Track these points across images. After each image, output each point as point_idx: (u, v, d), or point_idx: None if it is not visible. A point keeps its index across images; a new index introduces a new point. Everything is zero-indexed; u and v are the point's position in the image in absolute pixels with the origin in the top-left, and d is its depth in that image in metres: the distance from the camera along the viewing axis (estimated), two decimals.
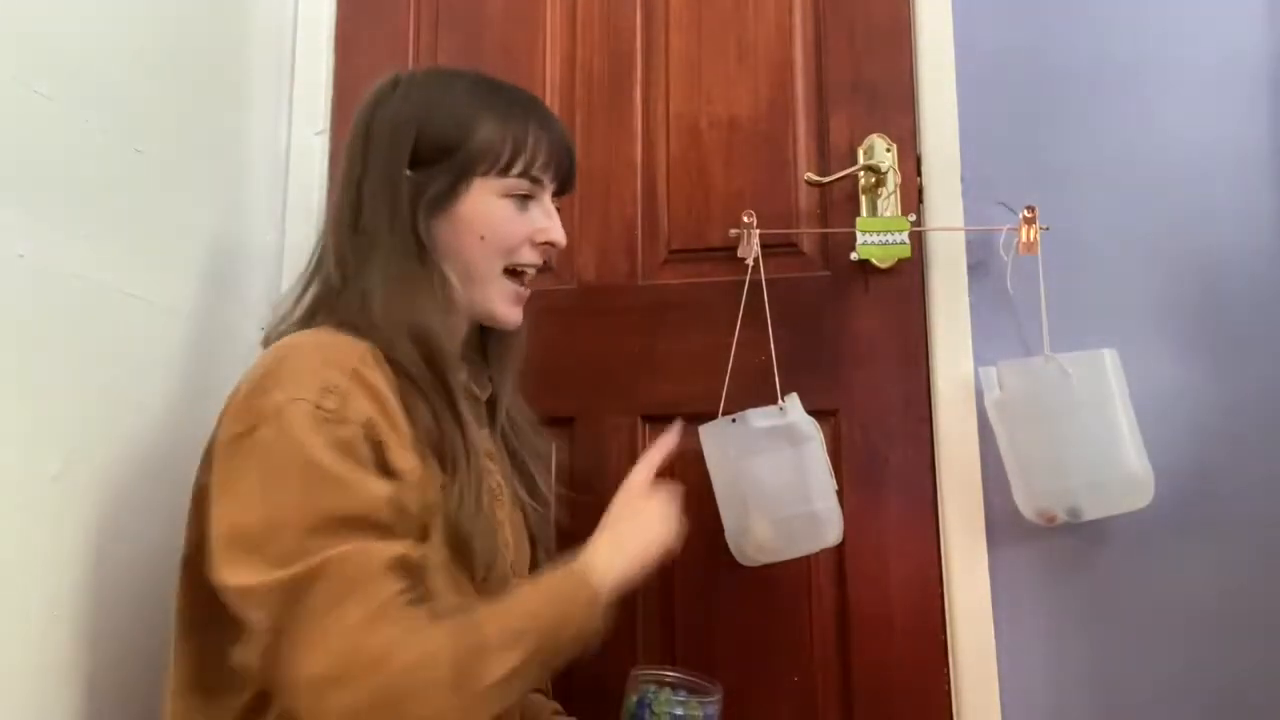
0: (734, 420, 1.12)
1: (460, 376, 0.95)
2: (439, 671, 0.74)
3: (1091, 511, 1.08)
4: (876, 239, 1.18)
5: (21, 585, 0.92)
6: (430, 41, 1.45)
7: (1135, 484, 1.05)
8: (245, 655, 0.79)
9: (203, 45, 1.25)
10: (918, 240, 1.22)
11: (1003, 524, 1.15)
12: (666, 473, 1.25)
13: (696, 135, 1.33)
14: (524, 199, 0.96)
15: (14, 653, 0.91)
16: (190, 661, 0.87)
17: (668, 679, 1.02)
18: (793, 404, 1.12)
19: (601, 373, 1.29)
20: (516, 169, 0.94)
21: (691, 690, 1.01)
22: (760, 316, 1.18)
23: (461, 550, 0.86)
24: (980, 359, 1.17)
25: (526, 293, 0.99)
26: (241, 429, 0.80)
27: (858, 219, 1.20)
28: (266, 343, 0.95)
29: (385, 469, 0.80)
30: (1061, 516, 1.09)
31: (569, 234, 1.32)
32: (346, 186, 0.94)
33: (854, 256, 1.20)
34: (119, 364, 1.06)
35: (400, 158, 0.92)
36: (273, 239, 1.39)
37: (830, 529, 1.10)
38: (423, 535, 0.83)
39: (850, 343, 1.23)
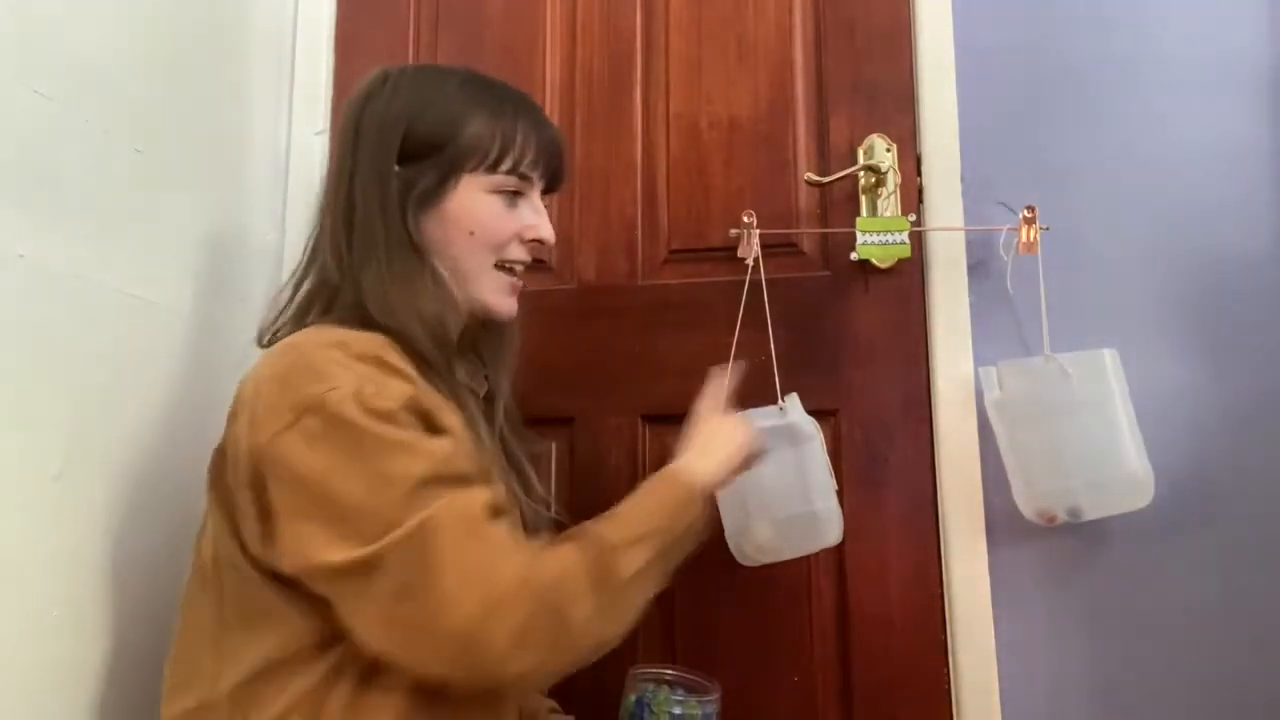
0: None
1: (461, 372, 0.96)
2: (579, 580, 0.78)
3: (1091, 511, 1.08)
4: (876, 239, 1.18)
5: (21, 585, 0.92)
6: (430, 41, 1.45)
7: (1135, 484, 1.05)
8: (361, 631, 0.78)
9: (203, 45, 1.25)
10: (918, 240, 1.22)
11: (1003, 524, 1.15)
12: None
13: (696, 135, 1.33)
14: (513, 196, 0.96)
15: (14, 652, 0.91)
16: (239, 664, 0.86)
17: (666, 678, 1.02)
18: (793, 404, 1.12)
19: (601, 373, 1.29)
20: (505, 166, 0.94)
21: (690, 689, 1.01)
22: (760, 316, 1.18)
23: None
24: (980, 359, 1.17)
25: (520, 284, 1.00)
26: (282, 425, 0.79)
27: (858, 219, 1.20)
28: (261, 338, 0.95)
29: (439, 431, 0.82)
30: (1061, 516, 1.09)
31: (569, 234, 1.34)
32: (338, 182, 0.95)
33: (854, 256, 1.20)
34: (119, 364, 1.06)
35: (389, 154, 0.92)
36: (273, 239, 1.39)
37: (830, 529, 1.10)
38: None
39: (850, 343, 1.23)
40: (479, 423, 0.95)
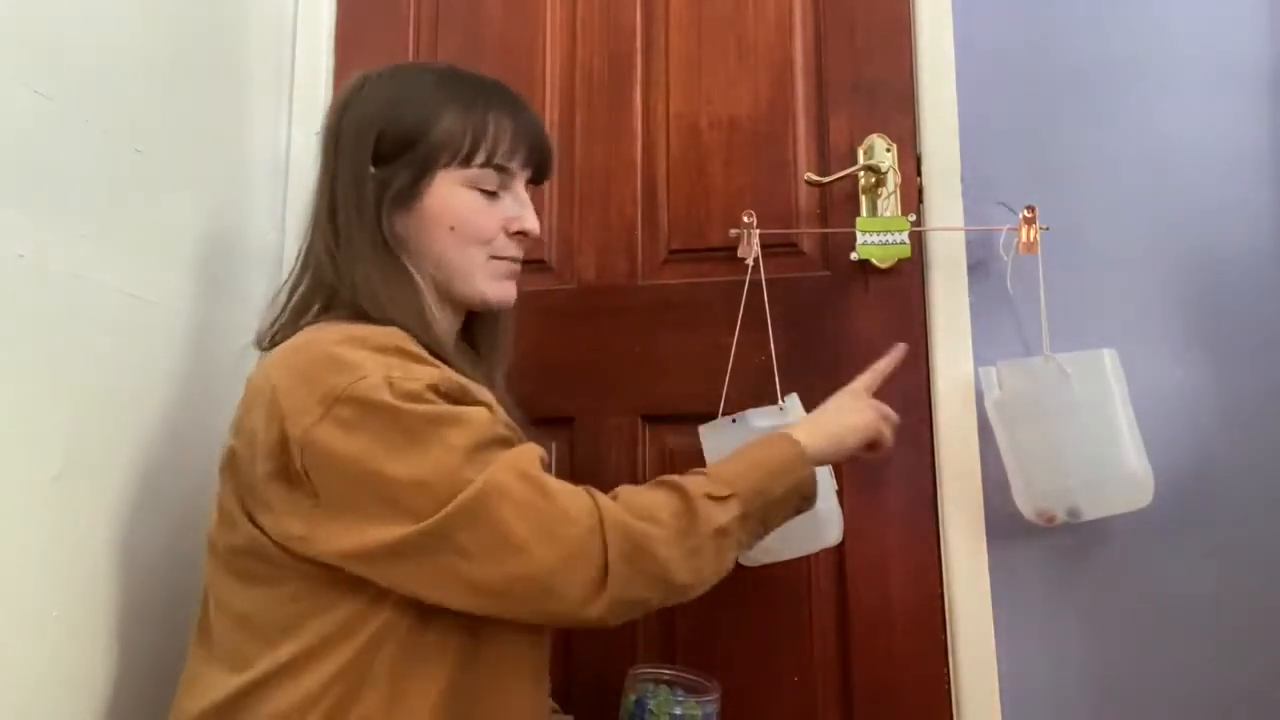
0: (734, 420, 1.12)
1: (465, 368, 0.96)
2: (661, 525, 0.79)
3: (1091, 511, 1.08)
4: (876, 239, 1.18)
5: (21, 585, 0.92)
6: (430, 41, 1.45)
7: (1135, 484, 1.05)
8: (442, 598, 0.79)
9: (203, 45, 1.25)
10: (918, 240, 1.22)
11: (1003, 524, 1.15)
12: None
13: (696, 135, 1.33)
14: (493, 189, 0.96)
15: (14, 653, 0.91)
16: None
17: (666, 678, 1.02)
18: (793, 404, 1.12)
19: (601, 373, 1.29)
20: (479, 158, 0.94)
21: (690, 689, 1.01)
22: (760, 316, 1.18)
23: None
24: (980, 359, 1.18)
25: (517, 269, 1.00)
26: (313, 419, 0.79)
27: (858, 219, 1.20)
28: (260, 341, 0.95)
29: (474, 404, 0.84)
30: (1061, 516, 1.09)
31: (569, 234, 1.34)
32: (323, 186, 0.96)
33: (854, 256, 1.20)
34: (119, 364, 1.06)
35: (365, 156, 0.93)
36: (273, 239, 1.39)
37: (830, 529, 1.10)
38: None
39: (850, 343, 1.23)
40: None
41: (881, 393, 1.20)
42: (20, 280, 0.93)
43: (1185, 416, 1.13)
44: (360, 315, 0.89)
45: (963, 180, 1.22)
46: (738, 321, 1.18)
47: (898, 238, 1.18)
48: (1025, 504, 1.11)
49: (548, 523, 0.77)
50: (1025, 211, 1.14)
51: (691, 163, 1.33)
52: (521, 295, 1.02)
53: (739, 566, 1.12)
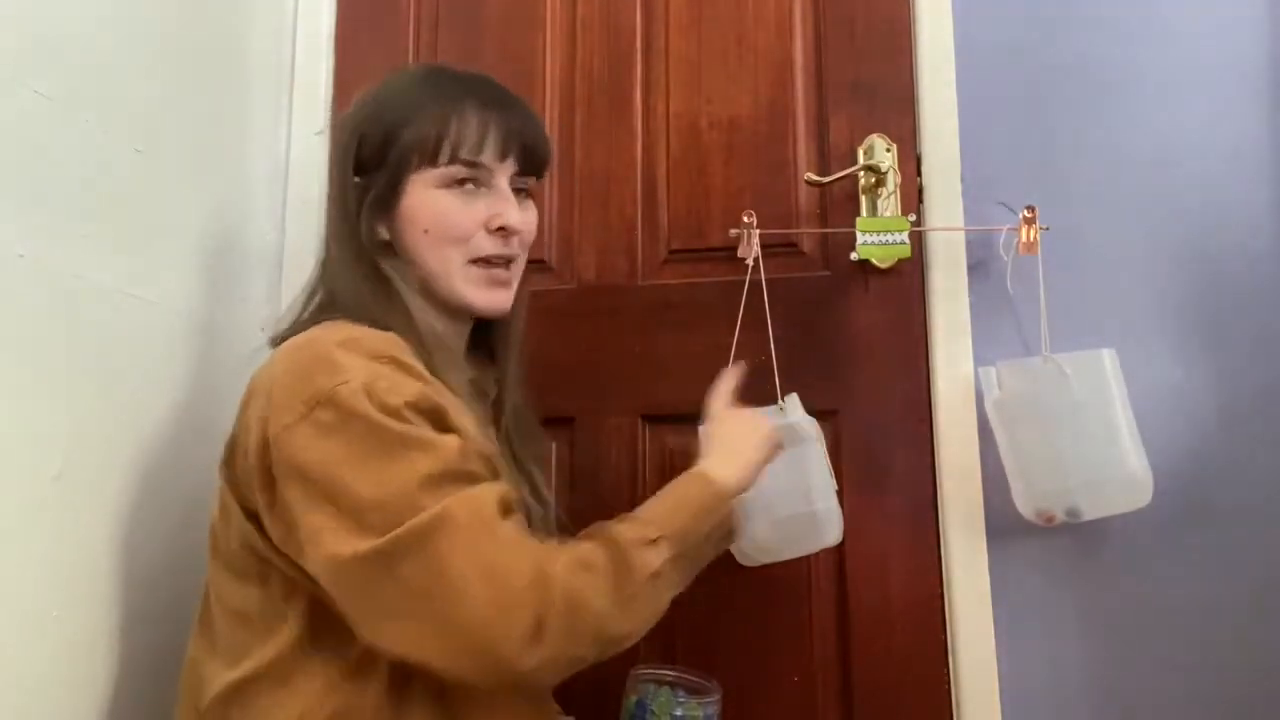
0: None
1: (464, 374, 0.96)
2: (596, 575, 0.79)
3: (1090, 511, 1.08)
4: (876, 239, 1.18)
5: (21, 585, 0.92)
6: (430, 41, 1.45)
7: (1134, 484, 1.05)
8: (369, 631, 0.78)
9: (203, 45, 1.25)
10: (918, 240, 1.22)
11: (1003, 524, 1.15)
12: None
13: (696, 135, 1.33)
14: (467, 186, 0.94)
15: (13, 653, 0.91)
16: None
17: (667, 679, 1.02)
18: (793, 404, 1.12)
19: (601, 373, 1.29)
20: (445, 156, 0.92)
21: (691, 690, 1.01)
22: (760, 316, 1.18)
23: None
24: (980, 359, 1.17)
25: (505, 275, 0.97)
26: (294, 418, 0.80)
27: (858, 219, 1.20)
28: (275, 342, 0.95)
29: (448, 430, 0.82)
30: (1060, 516, 1.09)
31: (569, 234, 1.34)
32: (327, 199, 1.00)
33: (854, 256, 1.20)
34: (119, 364, 1.06)
35: (348, 166, 0.96)
36: (273, 239, 1.39)
37: (830, 529, 1.09)
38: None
39: (850, 343, 1.23)
40: (486, 424, 0.97)
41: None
42: (20, 280, 0.93)
43: (1185, 416, 1.13)
44: (372, 317, 0.90)
45: (963, 180, 1.22)
46: (738, 321, 1.18)
47: (898, 238, 1.18)
48: (1025, 504, 1.11)
49: (490, 568, 0.74)
50: (1025, 211, 1.14)
51: (691, 163, 1.33)
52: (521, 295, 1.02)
53: (739, 566, 1.13)
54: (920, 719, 1.15)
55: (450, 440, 0.80)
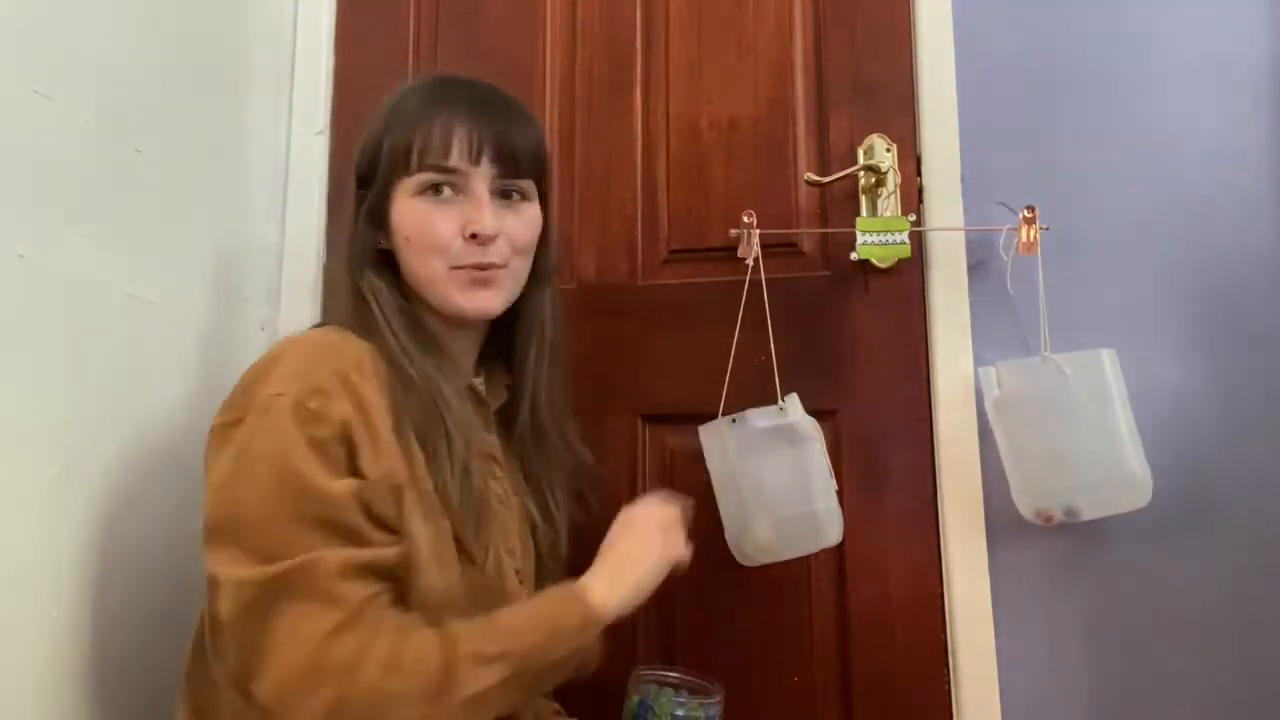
0: (734, 420, 1.12)
1: (462, 380, 0.96)
2: (410, 682, 0.75)
3: (1090, 511, 1.08)
4: (876, 239, 1.18)
5: (21, 585, 0.92)
6: (430, 41, 1.45)
7: (1134, 484, 1.05)
8: (215, 653, 0.81)
9: (203, 45, 1.25)
10: (918, 240, 1.22)
11: (1003, 524, 1.15)
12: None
13: (696, 135, 1.33)
14: (445, 192, 0.93)
15: (14, 652, 0.91)
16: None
17: (669, 680, 1.02)
18: (793, 404, 1.12)
19: (601, 373, 1.29)
20: (415, 162, 0.92)
21: (693, 691, 1.01)
22: (760, 316, 1.18)
23: (456, 533, 0.87)
24: (980, 359, 1.17)
25: (487, 276, 0.94)
26: (230, 419, 0.83)
27: (858, 219, 1.20)
28: None
29: (356, 473, 0.81)
30: (1059, 517, 1.09)
31: (569, 234, 1.34)
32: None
33: (854, 256, 1.20)
34: (119, 364, 1.06)
35: (354, 181, 0.98)
36: (273, 239, 1.39)
37: (830, 529, 1.10)
38: (397, 537, 0.83)
39: (850, 343, 1.23)
40: (487, 429, 0.97)
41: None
42: (20, 280, 0.93)
43: (1185, 416, 1.13)
44: (365, 325, 0.91)
45: (963, 180, 1.22)
46: (738, 321, 1.18)
47: (898, 238, 1.18)
48: (1024, 504, 1.11)
49: (305, 640, 0.74)
50: (1025, 211, 1.14)
51: (691, 163, 1.33)
52: None
53: (739, 566, 1.13)
54: (920, 719, 1.15)
55: (343, 488, 0.79)
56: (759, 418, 1.11)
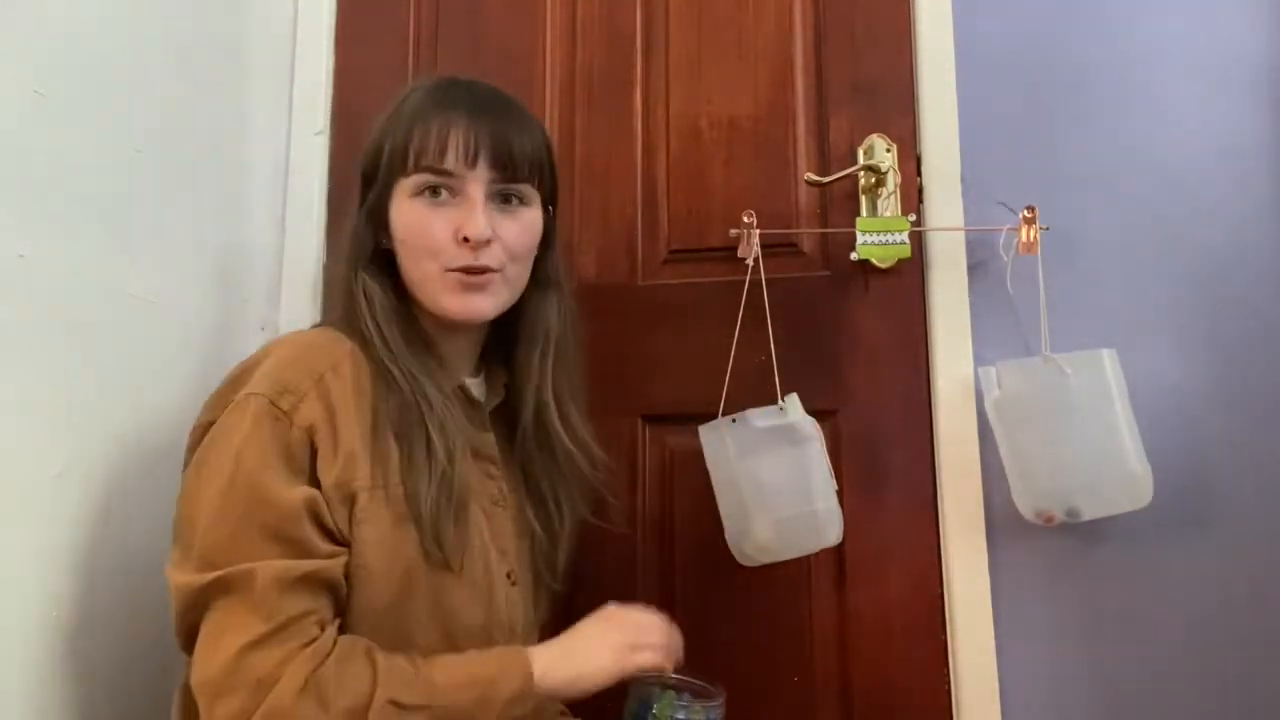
0: (734, 420, 1.12)
1: (452, 380, 0.96)
2: (321, 713, 0.76)
3: (1090, 511, 1.08)
4: (876, 239, 1.18)
5: (22, 584, 0.92)
6: (430, 42, 1.45)
7: (1134, 484, 1.05)
8: (178, 642, 0.83)
9: (203, 45, 1.25)
10: (918, 240, 1.22)
11: (1003, 524, 1.15)
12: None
13: (696, 135, 1.33)
14: (441, 195, 0.92)
15: (14, 652, 0.91)
16: None
17: (670, 682, 1.02)
18: (793, 404, 1.12)
19: (601, 373, 1.29)
20: (411, 164, 0.92)
21: (695, 694, 1.01)
22: (760, 316, 1.18)
23: (427, 540, 0.87)
24: (980, 359, 1.17)
25: (480, 280, 0.92)
26: (210, 418, 0.86)
27: (858, 219, 1.20)
28: None
29: (314, 480, 0.83)
30: (1060, 516, 1.09)
31: (569, 234, 1.34)
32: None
33: (854, 256, 1.20)
34: (119, 364, 1.06)
35: (359, 181, 0.98)
36: (273, 239, 1.39)
37: (830, 529, 1.10)
38: (342, 548, 0.83)
39: (850, 343, 1.23)
40: (481, 430, 0.97)
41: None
42: (20, 280, 0.93)
43: (1185, 416, 1.13)
44: (353, 324, 0.93)
45: (963, 180, 1.22)
46: (738, 321, 1.18)
47: (898, 238, 1.18)
48: (1024, 504, 1.11)
49: (233, 646, 0.76)
50: (1025, 211, 1.14)
51: (691, 163, 1.33)
52: None
53: (739, 566, 1.13)
54: (920, 719, 1.15)
55: (296, 496, 0.81)
56: (759, 418, 1.11)
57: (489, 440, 1.00)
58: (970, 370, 1.18)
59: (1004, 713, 1.12)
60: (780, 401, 1.12)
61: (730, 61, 1.34)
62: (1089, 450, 1.06)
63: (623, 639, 0.91)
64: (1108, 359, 1.07)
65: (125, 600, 1.04)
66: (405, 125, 0.93)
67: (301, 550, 0.80)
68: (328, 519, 0.82)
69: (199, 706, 0.77)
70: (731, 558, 1.13)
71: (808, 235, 1.27)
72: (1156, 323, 1.16)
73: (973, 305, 1.20)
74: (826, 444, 1.12)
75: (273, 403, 0.82)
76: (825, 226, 1.27)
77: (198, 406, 0.91)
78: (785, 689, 1.19)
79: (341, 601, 0.83)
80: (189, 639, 0.80)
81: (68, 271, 0.99)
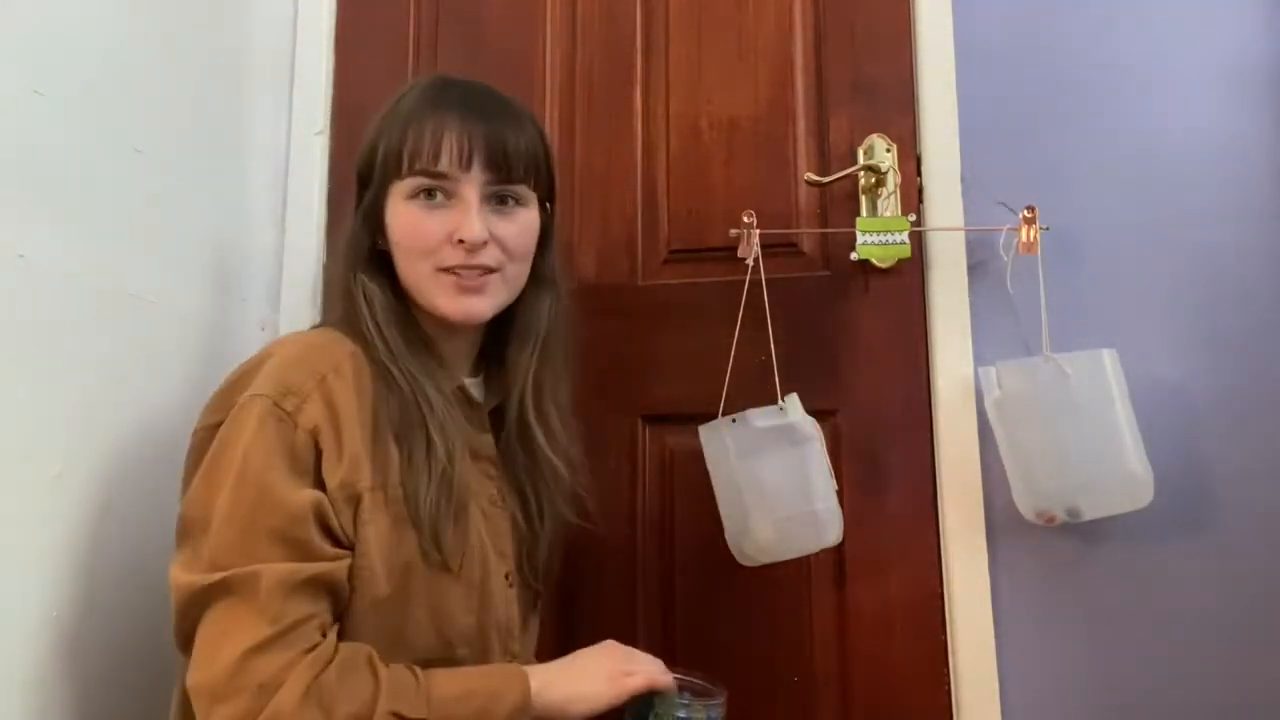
0: (734, 420, 1.12)
1: (452, 381, 0.96)
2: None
3: (1091, 511, 1.08)
4: (876, 239, 1.18)
5: (22, 584, 0.92)
6: (430, 41, 1.45)
7: (1135, 484, 1.05)
8: (176, 643, 0.82)
9: (203, 45, 1.25)
10: (918, 240, 1.22)
11: (1003, 524, 1.15)
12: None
13: (696, 135, 1.33)
14: (436, 197, 0.92)
15: (14, 651, 0.91)
16: None
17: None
18: (793, 404, 1.12)
19: (601, 373, 1.29)
20: (406, 166, 0.92)
21: (696, 693, 1.01)
22: (760, 316, 1.18)
23: (425, 541, 0.87)
24: (980, 359, 1.17)
25: (476, 282, 0.93)
26: (213, 420, 0.86)
27: (858, 219, 1.20)
28: None
29: (319, 481, 0.83)
30: (1061, 516, 1.09)
31: (569, 234, 1.34)
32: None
33: (854, 256, 1.20)
34: (119, 364, 1.06)
35: (355, 182, 0.98)
36: (273, 239, 1.39)
37: (830, 529, 1.10)
38: (346, 551, 0.83)
39: (850, 343, 1.23)
40: (480, 431, 0.97)
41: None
42: (20, 280, 0.93)
43: (1185, 416, 1.13)
44: (353, 325, 0.93)
45: (963, 180, 1.22)
46: (738, 321, 1.18)
47: (898, 238, 1.18)
48: (1025, 504, 1.11)
49: (234, 650, 0.75)
50: (1025, 211, 1.14)
51: (691, 163, 1.33)
52: None
53: (739, 566, 1.13)
54: (920, 719, 1.15)
55: (302, 499, 0.81)
56: (759, 418, 1.11)
57: (487, 441, 1.00)
58: (970, 370, 1.18)
59: (1004, 713, 1.12)
60: (780, 401, 1.12)
61: (730, 61, 1.34)
62: (1089, 450, 1.06)
63: (615, 665, 0.91)
64: (1108, 359, 1.07)
65: (124, 600, 1.04)
66: (399, 127, 0.93)
67: (306, 553, 0.80)
68: (333, 521, 0.82)
69: (196, 710, 0.77)
70: (731, 558, 1.13)
71: (808, 235, 1.27)
72: (1156, 323, 1.16)
73: (973, 305, 1.20)
74: (826, 444, 1.12)
75: (276, 404, 0.82)
76: (825, 226, 1.27)
77: (197, 407, 0.90)
78: (785, 689, 1.19)
79: (341, 605, 0.83)
80: (187, 639, 0.79)
81: (68, 271, 0.99)
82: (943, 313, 1.20)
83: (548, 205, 1.01)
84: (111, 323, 1.05)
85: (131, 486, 1.06)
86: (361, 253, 0.95)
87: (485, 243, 0.92)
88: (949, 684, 1.15)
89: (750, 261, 1.18)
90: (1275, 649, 1.08)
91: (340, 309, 0.95)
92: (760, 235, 1.18)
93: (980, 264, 1.21)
